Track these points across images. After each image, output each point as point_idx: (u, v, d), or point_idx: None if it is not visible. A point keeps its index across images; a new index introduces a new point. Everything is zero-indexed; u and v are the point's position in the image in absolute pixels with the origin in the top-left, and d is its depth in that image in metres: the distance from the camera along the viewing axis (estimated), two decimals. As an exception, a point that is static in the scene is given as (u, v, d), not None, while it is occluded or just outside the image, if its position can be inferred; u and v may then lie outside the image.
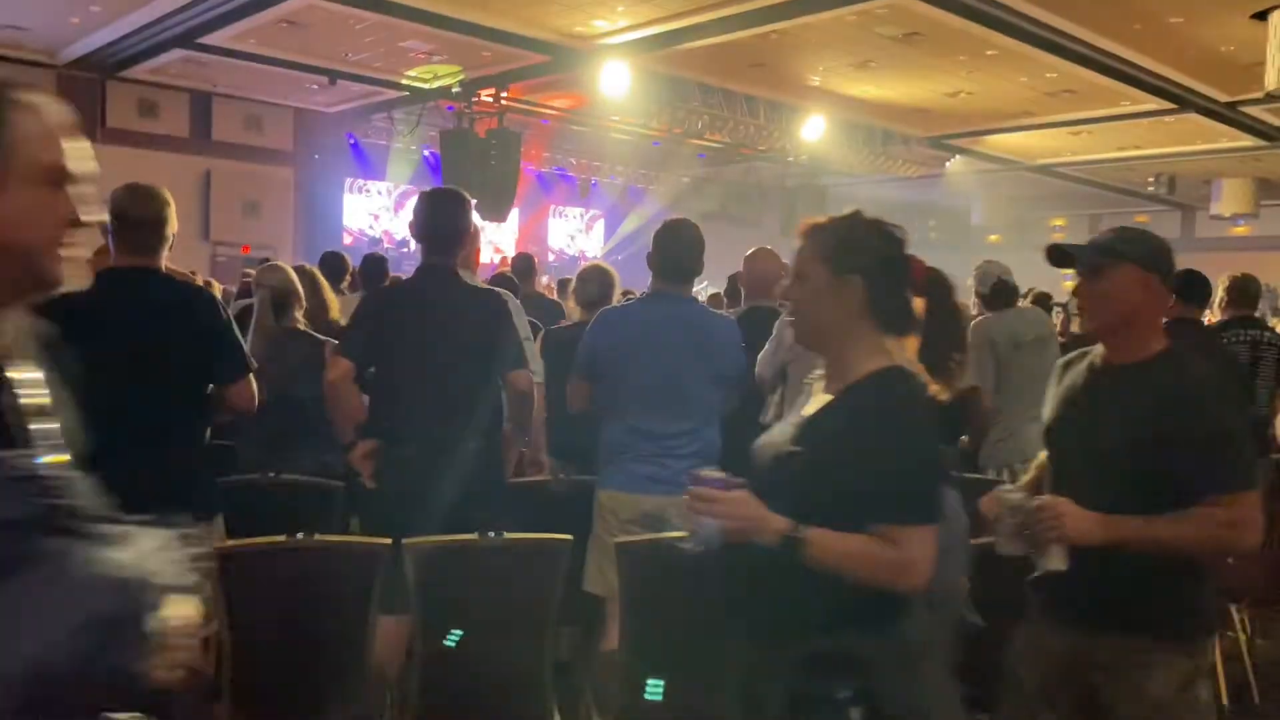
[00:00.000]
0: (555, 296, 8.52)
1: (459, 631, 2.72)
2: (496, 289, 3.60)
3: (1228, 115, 12.60)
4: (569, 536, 2.83)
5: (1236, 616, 4.13)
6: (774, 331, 3.72)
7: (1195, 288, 4.76)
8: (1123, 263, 2.23)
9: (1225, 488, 2.11)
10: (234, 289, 8.92)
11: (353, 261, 7.27)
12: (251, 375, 3.16)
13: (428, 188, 3.75)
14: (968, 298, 4.80)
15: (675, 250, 3.46)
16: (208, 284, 9.34)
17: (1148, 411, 2.17)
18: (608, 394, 3.46)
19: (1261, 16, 8.97)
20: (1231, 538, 2.13)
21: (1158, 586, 2.18)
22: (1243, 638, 4.19)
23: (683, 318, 3.45)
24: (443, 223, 3.38)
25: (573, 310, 5.27)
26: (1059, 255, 2.37)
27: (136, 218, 2.97)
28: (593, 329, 3.57)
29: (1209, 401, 2.18)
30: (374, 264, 6.35)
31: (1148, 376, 2.23)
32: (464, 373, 3.26)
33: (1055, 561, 2.14)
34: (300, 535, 2.62)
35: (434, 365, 3.24)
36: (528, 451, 4.19)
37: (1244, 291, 5.32)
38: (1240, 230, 19.21)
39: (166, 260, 3.11)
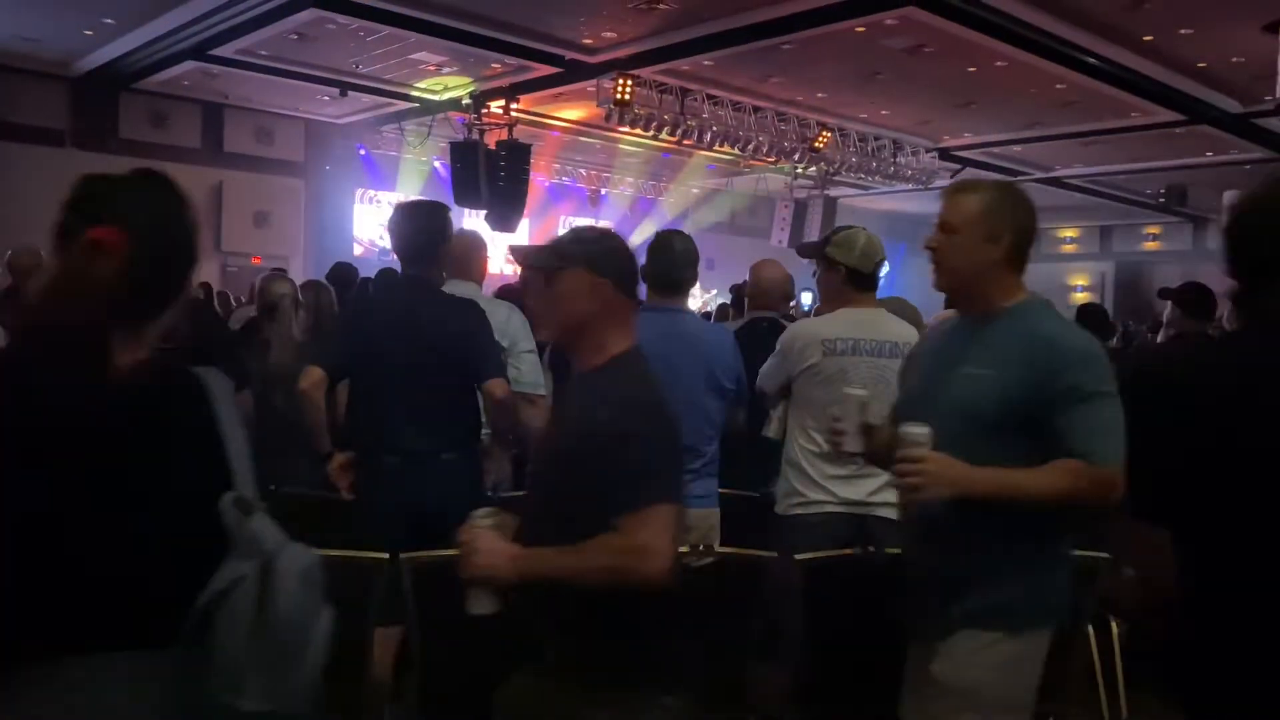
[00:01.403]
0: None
1: None
2: (470, 300, 3.54)
3: (1239, 126, 12.55)
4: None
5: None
6: (778, 345, 3.55)
7: (1201, 302, 4.70)
8: (573, 266, 2.04)
9: (623, 508, 1.85)
10: (244, 298, 8.97)
11: (362, 273, 7.32)
12: (245, 389, 3.14)
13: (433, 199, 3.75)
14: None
15: (666, 262, 3.42)
16: (223, 295, 9.41)
17: (574, 424, 2.03)
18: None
19: (1273, 29, 8.95)
20: (632, 565, 1.83)
21: None
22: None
23: (676, 329, 3.39)
24: (415, 234, 3.40)
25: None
26: (519, 257, 2.23)
27: None
28: None
29: (614, 406, 1.94)
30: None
31: (589, 387, 2.05)
32: (438, 383, 3.26)
33: (479, 604, 1.93)
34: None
35: (408, 376, 3.24)
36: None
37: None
38: (1253, 242, 19.09)
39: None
